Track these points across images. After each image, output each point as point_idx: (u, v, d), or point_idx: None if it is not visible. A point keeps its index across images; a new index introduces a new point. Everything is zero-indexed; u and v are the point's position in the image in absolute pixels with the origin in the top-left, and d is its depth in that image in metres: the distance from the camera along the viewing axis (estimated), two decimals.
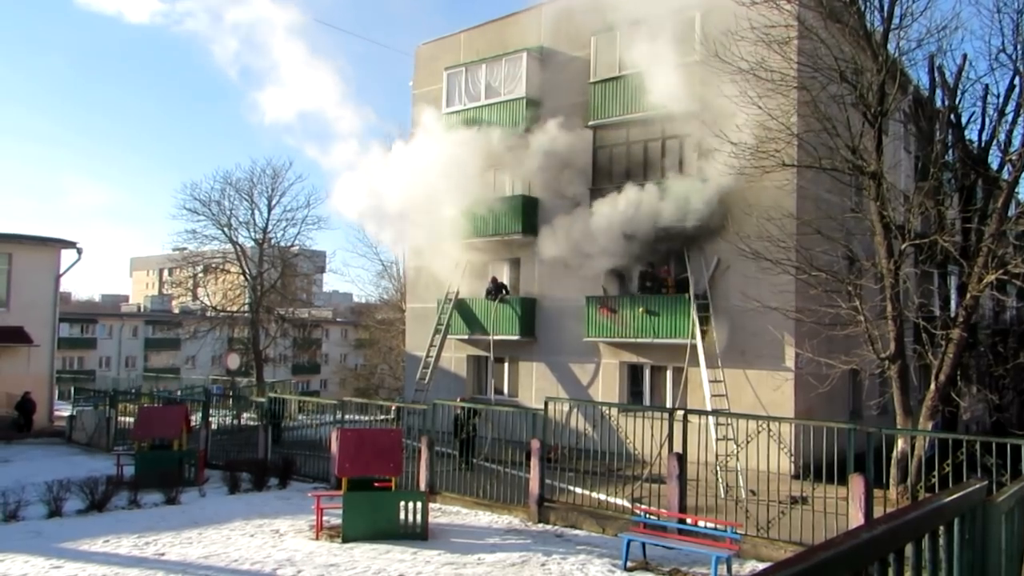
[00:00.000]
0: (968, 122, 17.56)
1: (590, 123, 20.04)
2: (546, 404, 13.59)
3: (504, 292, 21.65)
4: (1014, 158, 14.69)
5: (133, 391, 31.33)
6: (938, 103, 17.48)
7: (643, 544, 10.15)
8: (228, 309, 39.53)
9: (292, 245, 39.86)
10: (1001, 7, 14.21)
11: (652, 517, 10.75)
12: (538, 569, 9.63)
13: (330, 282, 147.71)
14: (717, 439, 14.65)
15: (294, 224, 38.35)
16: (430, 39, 24.93)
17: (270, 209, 37.85)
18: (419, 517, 11.25)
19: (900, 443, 13.47)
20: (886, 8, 14.14)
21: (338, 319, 70.75)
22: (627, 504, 12.22)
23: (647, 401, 19.33)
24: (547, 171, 20.65)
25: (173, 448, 16.36)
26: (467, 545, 10.86)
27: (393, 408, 17.98)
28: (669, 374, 19.09)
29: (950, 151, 17.49)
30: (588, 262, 19.10)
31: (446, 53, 23.78)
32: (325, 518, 11.62)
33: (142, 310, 71.54)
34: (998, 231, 14.20)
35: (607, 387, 19.95)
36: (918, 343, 15.07)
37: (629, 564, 9.76)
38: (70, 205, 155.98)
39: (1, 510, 12.17)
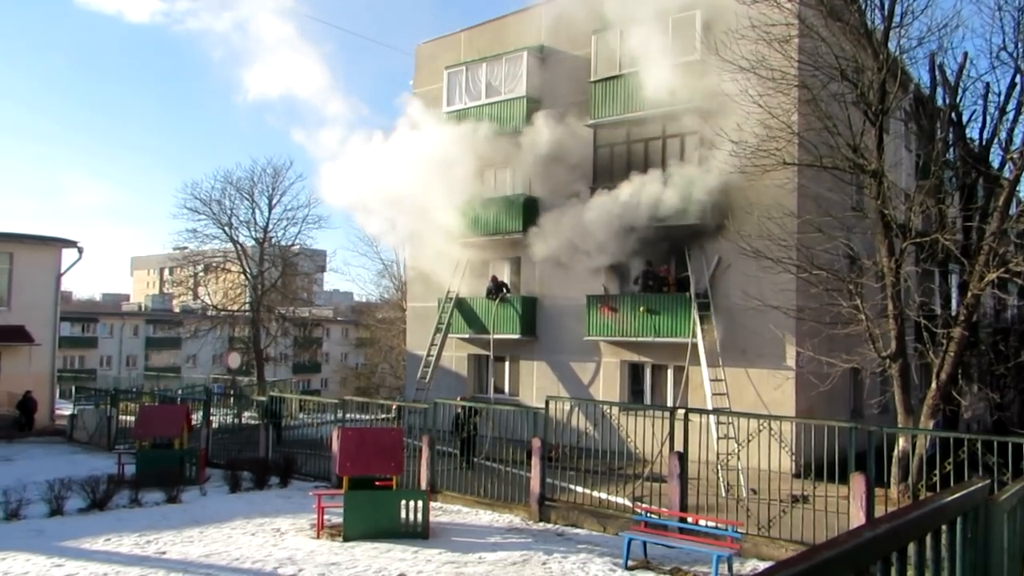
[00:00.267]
0: (969, 120, 17.56)
1: (590, 122, 20.02)
2: (547, 403, 13.59)
3: (505, 291, 21.66)
4: (1015, 156, 14.67)
5: (134, 390, 31.42)
6: (939, 101, 17.48)
7: (644, 543, 10.15)
8: (229, 308, 39.57)
9: (293, 244, 39.91)
10: (1002, 5, 14.21)
11: (653, 516, 10.75)
12: (539, 568, 9.63)
13: (331, 281, 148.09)
14: (718, 438, 14.66)
15: (295, 223, 38.46)
16: (430, 38, 24.98)
17: (271, 208, 37.94)
18: (420, 516, 11.25)
19: (901, 442, 13.46)
20: (887, 6, 14.13)
21: (339, 318, 70.72)
22: (628, 503, 12.22)
23: (648, 400, 19.33)
24: (547, 170, 20.67)
25: (174, 447, 16.37)
26: (468, 544, 10.86)
27: (394, 407, 17.99)
28: (670, 373, 19.09)
29: (951, 149, 17.49)
30: (584, 258, 19.04)
31: (446, 52, 23.79)
32: (326, 517, 11.63)
33: (143, 309, 71.57)
34: (999, 229, 14.20)
35: (608, 386, 19.95)
36: (919, 342, 15.06)
37: (630, 563, 9.77)
38: (71, 204, 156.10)
39: (3, 509, 12.18)
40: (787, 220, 15.42)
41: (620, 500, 12.40)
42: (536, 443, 12.83)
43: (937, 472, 9.69)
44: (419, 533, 11.17)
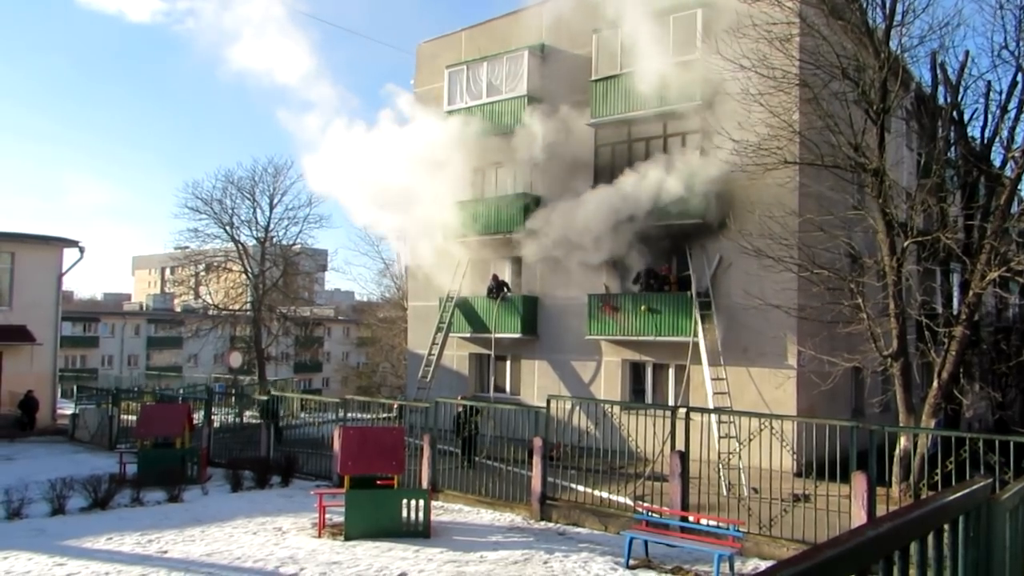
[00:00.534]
0: (970, 119, 17.56)
1: (591, 120, 20.00)
2: (548, 402, 13.59)
3: (506, 290, 21.66)
4: (1017, 155, 14.66)
5: (135, 389, 31.41)
6: (940, 100, 17.47)
7: (645, 542, 10.15)
8: (230, 308, 39.55)
9: (294, 243, 39.88)
10: (1003, 3, 14.20)
11: (654, 515, 10.75)
12: (540, 567, 9.63)
13: (332, 280, 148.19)
14: (719, 437, 14.65)
15: (296, 222, 38.38)
16: (431, 37, 24.99)
17: (272, 208, 37.88)
18: (421, 515, 11.26)
19: (903, 441, 13.46)
20: (888, 5, 14.12)
21: (340, 317, 70.74)
22: (629, 502, 12.21)
23: (649, 399, 19.32)
24: (548, 169, 20.67)
25: (176, 446, 16.37)
26: (469, 543, 10.86)
27: (395, 406, 18.00)
28: (671, 372, 19.09)
29: (952, 148, 17.48)
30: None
31: (447, 51, 23.79)
32: (328, 516, 11.64)
33: (144, 309, 71.58)
34: (1001, 228, 14.20)
35: (609, 385, 19.95)
36: (921, 341, 15.06)
37: (631, 562, 9.77)
38: (72, 204, 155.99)
39: (5, 508, 12.19)
40: (788, 219, 15.42)
41: (621, 499, 12.40)
42: (537, 442, 12.83)
43: (939, 471, 9.69)
44: (420, 532, 11.18)
